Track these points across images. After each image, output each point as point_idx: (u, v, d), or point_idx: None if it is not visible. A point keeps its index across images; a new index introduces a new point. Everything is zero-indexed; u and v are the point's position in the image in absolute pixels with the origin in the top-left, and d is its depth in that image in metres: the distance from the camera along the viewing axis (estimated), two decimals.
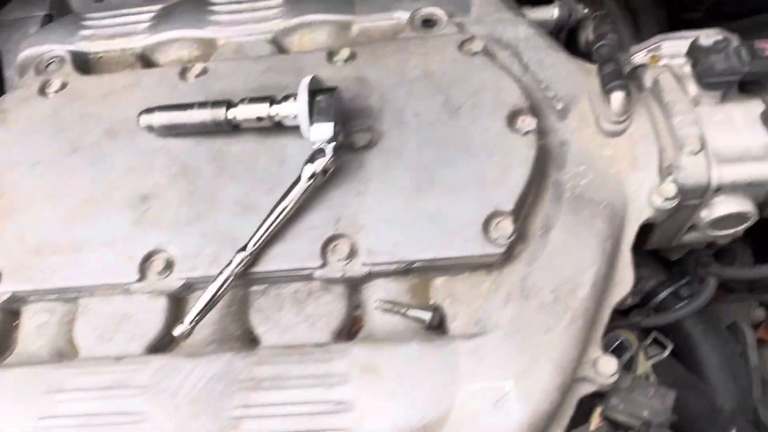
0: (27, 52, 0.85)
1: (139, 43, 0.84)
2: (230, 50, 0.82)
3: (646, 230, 0.71)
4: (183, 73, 0.77)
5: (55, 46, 0.84)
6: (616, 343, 0.71)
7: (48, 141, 0.73)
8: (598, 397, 0.67)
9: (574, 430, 0.68)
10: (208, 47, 0.83)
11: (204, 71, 0.76)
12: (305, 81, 0.63)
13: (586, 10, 0.81)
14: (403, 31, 0.78)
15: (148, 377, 0.57)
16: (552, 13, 0.81)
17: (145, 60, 0.85)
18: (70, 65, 0.82)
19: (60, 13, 0.99)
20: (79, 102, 0.76)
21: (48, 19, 0.98)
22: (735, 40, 0.66)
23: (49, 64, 0.83)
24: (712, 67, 0.64)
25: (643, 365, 0.70)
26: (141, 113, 0.69)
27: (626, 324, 0.74)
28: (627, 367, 0.69)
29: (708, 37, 0.66)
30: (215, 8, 0.86)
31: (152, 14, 0.87)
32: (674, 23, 1.23)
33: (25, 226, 0.67)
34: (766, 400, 0.96)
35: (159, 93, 0.75)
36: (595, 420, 0.67)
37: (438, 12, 0.78)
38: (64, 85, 0.78)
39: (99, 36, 0.86)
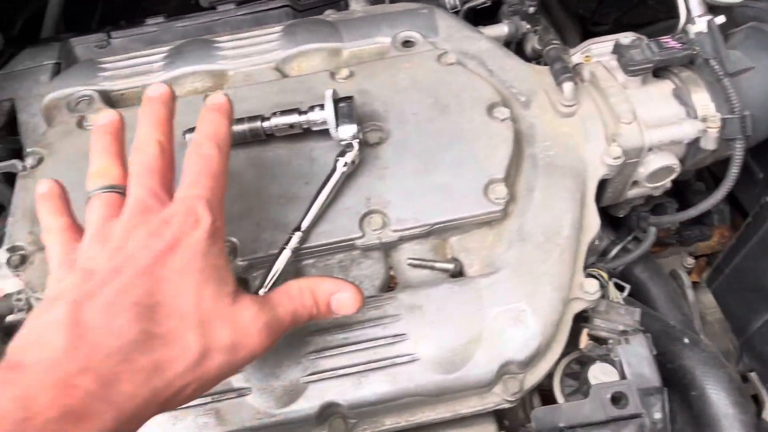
0: (53, 95, 0.95)
1: (156, 78, 0.96)
2: (240, 79, 0.96)
3: (600, 189, 0.90)
4: (206, 99, 0.90)
5: (80, 87, 0.95)
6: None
7: None
8: (583, 321, 0.84)
9: (571, 353, 0.85)
10: (219, 78, 0.97)
11: None
12: (329, 92, 0.78)
13: (528, 26, 1.01)
14: (388, 52, 0.95)
15: None
16: (503, 29, 1.01)
17: None
18: (100, 101, 0.93)
19: (67, 62, 1.09)
20: None
21: (57, 67, 1.08)
22: (645, 39, 0.87)
23: (79, 102, 0.93)
24: (633, 58, 0.85)
25: (614, 294, 0.88)
26: (185, 132, 0.82)
27: (595, 267, 0.92)
28: (602, 296, 0.87)
29: (626, 37, 0.87)
30: (220, 45, 0.99)
31: (163, 54, 1.00)
32: (586, 34, 1.49)
33: None
34: (705, 329, 1.17)
35: (189, 117, 0.87)
36: (584, 339, 0.84)
37: (415, 34, 0.96)
38: None
39: (118, 76, 0.97)
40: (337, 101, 0.78)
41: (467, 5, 1.17)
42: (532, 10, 1.02)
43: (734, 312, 1.04)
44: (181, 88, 0.97)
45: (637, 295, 1.08)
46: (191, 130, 0.81)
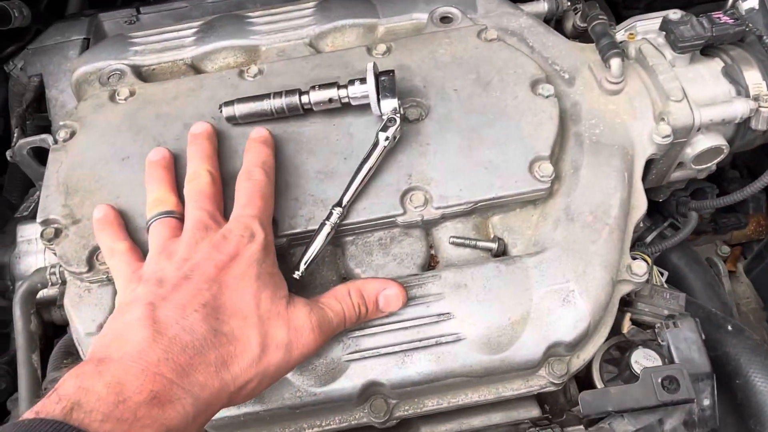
0: (83, 69, 0.94)
1: (188, 54, 0.95)
2: (273, 54, 0.94)
3: (645, 170, 0.88)
4: (240, 74, 0.88)
5: (111, 62, 0.94)
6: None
7: (132, 139, 0.82)
8: (627, 306, 0.82)
9: (613, 337, 0.82)
10: (251, 54, 0.95)
11: (260, 71, 0.88)
12: (370, 65, 0.76)
13: (568, 3, 0.98)
14: (425, 28, 0.93)
15: None
16: (543, 6, 0.98)
17: (195, 68, 0.95)
18: (132, 76, 0.91)
19: (96, 38, 1.07)
20: (151, 105, 0.86)
21: (86, 43, 1.07)
22: (694, 16, 0.84)
23: (110, 76, 0.92)
24: (683, 35, 0.82)
25: (657, 278, 0.85)
26: (221, 106, 0.80)
27: (635, 251, 0.90)
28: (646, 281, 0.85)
29: (675, 14, 0.84)
30: (253, 20, 0.97)
31: (194, 29, 0.98)
32: (619, 19, 1.45)
33: (129, 209, 0.75)
34: (741, 318, 1.15)
35: (223, 92, 0.86)
36: (626, 324, 0.82)
37: (453, 10, 0.93)
38: (132, 93, 0.87)
39: (149, 50, 0.95)
40: (378, 75, 0.76)
41: None
42: None
43: None
44: (213, 63, 0.95)
45: (674, 283, 1.06)
46: (227, 103, 0.80)
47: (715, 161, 0.86)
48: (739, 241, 1.26)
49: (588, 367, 0.79)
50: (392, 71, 0.77)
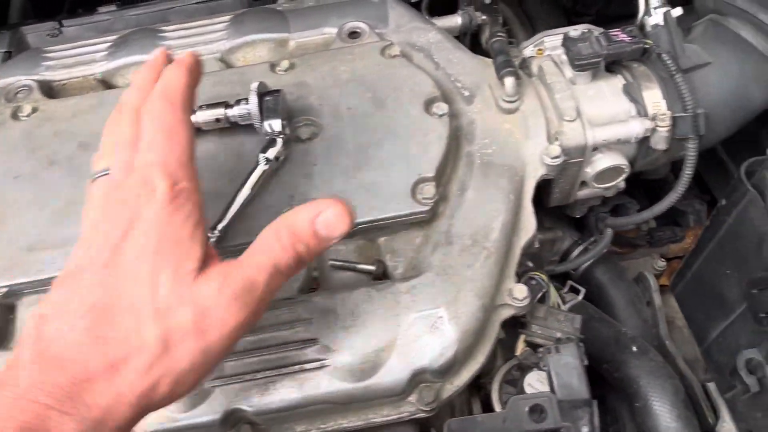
0: None
1: (98, 69, 0.95)
2: None
3: (547, 188, 0.87)
4: None
5: (21, 77, 0.93)
6: (533, 282, 0.86)
7: (26, 157, 0.82)
8: (521, 327, 0.81)
9: (511, 360, 0.82)
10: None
11: None
12: (254, 85, 0.75)
13: (483, 17, 0.97)
14: (332, 43, 0.92)
15: None
16: (456, 20, 0.97)
17: (106, 84, 0.95)
18: (38, 92, 0.91)
19: (18, 50, 1.07)
20: (51, 122, 0.86)
21: (8, 56, 1.07)
22: (596, 32, 0.82)
23: (18, 92, 0.92)
24: (580, 53, 0.80)
25: (555, 299, 0.84)
26: None
27: (541, 270, 0.89)
28: (542, 300, 0.84)
29: (576, 30, 0.83)
30: (166, 34, 0.97)
31: (109, 44, 0.98)
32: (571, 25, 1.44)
33: (14, 230, 0.75)
34: (673, 335, 1.13)
35: None
36: (520, 346, 0.81)
37: (361, 25, 0.92)
38: (35, 110, 0.87)
39: (61, 66, 0.96)
40: (262, 95, 0.75)
41: None
42: (488, 0, 0.97)
43: (695, 319, 1.00)
44: (125, 79, 0.95)
45: (597, 299, 1.05)
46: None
47: (618, 180, 0.85)
48: (677, 255, 1.24)
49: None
50: (278, 91, 0.76)
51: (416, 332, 0.66)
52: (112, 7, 1.09)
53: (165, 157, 0.53)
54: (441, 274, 0.70)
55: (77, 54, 0.97)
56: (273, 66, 0.88)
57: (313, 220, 0.54)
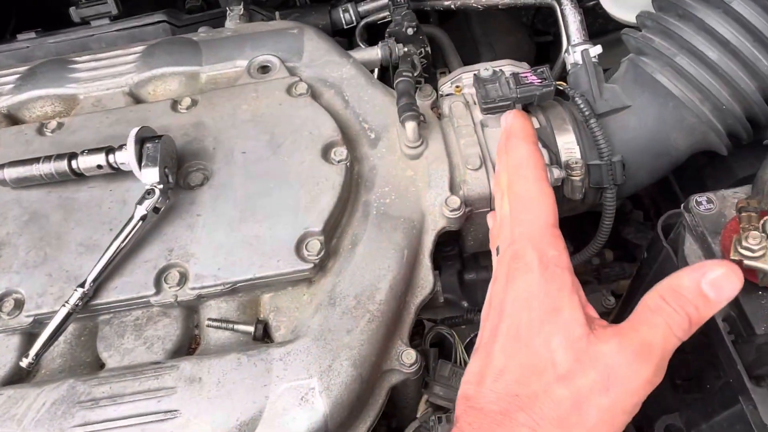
0: None
1: (4, 103, 0.91)
2: (89, 104, 0.90)
3: (460, 237, 0.82)
4: (40, 128, 0.84)
5: None
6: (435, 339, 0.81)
7: None
8: (424, 387, 0.76)
9: (413, 422, 0.77)
10: (70, 103, 0.91)
11: (59, 126, 0.84)
12: (133, 132, 0.71)
13: (405, 49, 0.92)
14: (240, 78, 0.88)
15: None
16: (376, 53, 0.92)
17: (12, 118, 0.91)
18: None
19: None
20: None
21: None
22: (507, 72, 0.77)
23: None
24: (488, 95, 0.75)
25: (462, 357, 0.79)
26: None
27: (449, 323, 0.84)
28: (449, 358, 0.79)
29: (487, 70, 0.77)
30: (76, 66, 0.93)
31: (17, 75, 0.94)
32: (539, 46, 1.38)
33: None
34: None
35: (16, 149, 0.82)
36: (422, 407, 0.77)
37: (272, 59, 0.88)
38: None
39: None
40: (143, 141, 0.71)
41: (365, 20, 1.09)
42: (410, 32, 0.92)
43: None
44: (31, 113, 0.92)
45: None
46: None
47: None
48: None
49: None
50: (159, 137, 0.72)
51: (284, 405, 0.62)
52: (32, 34, 1.05)
53: (529, 229, 0.56)
54: (319, 339, 0.65)
55: None
56: (175, 103, 0.84)
57: (699, 281, 0.52)
